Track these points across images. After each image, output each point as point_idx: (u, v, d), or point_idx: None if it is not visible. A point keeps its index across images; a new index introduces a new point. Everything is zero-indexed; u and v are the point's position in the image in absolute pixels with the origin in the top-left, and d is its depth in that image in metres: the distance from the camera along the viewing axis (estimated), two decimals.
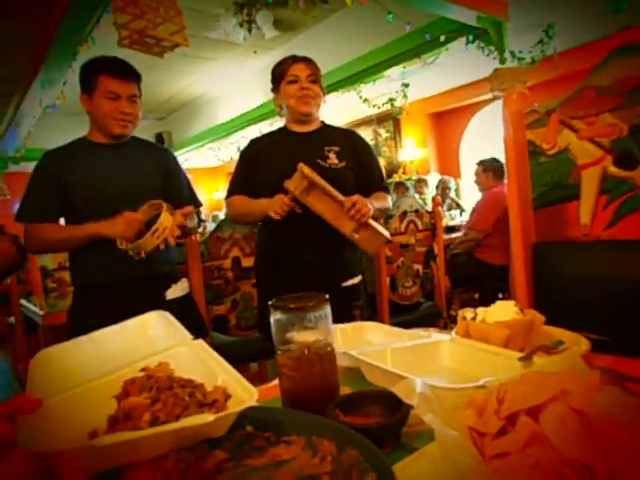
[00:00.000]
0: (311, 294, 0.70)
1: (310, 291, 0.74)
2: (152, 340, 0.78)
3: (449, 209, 5.49)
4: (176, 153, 5.77)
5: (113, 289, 1.54)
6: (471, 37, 4.52)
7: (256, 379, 2.60)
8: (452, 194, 5.95)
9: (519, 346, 0.86)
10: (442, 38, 4.41)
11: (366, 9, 4.17)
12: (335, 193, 1.48)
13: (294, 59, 1.61)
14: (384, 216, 2.11)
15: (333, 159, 1.60)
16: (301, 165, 1.46)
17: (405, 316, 2.61)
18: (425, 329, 1.11)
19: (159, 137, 8.38)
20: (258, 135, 1.78)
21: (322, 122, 1.71)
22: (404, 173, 7.49)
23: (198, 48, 5.45)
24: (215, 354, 0.69)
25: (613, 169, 1.34)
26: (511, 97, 1.50)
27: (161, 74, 6.21)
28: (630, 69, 1.28)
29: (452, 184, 5.96)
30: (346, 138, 1.69)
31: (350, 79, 5.48)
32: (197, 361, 0.68)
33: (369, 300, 1.88)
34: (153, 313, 0.86)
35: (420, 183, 6.30)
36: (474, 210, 3.68)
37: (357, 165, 1.64)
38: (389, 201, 1.71)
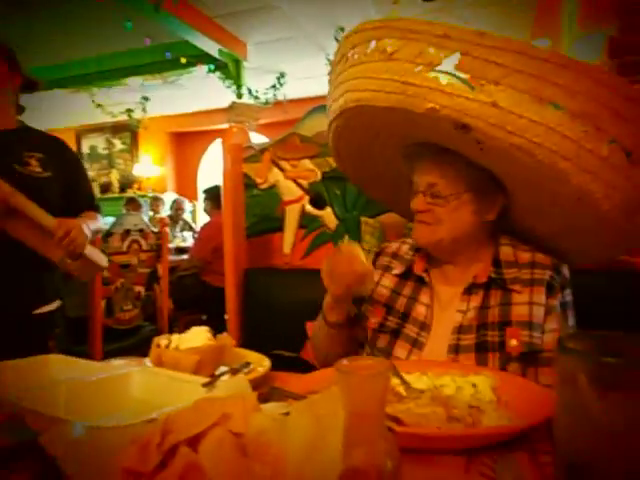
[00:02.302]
0: None
1: None
2: None
3: (182, 230, 5.47)
4: None
5: None
6: (212, 67, 4.71)
7: None
8: (186, 215, 5.95)
9: (210, 371, 0.88)
10: (183, 60, 4.45)
11: (107, 10, 3.89)
12: (43, 219, 1.27)
13: None
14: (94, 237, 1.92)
15: (35, 167, 1.37)
16: None
17: (123, 342, 2.45)
18: (140, 357, 1.05)
19: None
20: None
21: (21, 122, 1.47)
22: (139, 189, 7.17)
23: None
24: None
25: (309, 207, 1.55)
26: (231, 131, 1.60)
27: None
28: (323, 125, 1.52)
29: (187, 205, 5.97)
30: (53, 146, 1.48)
31: (82, 78, 4.98)
32: None
33: (70, 326, 1.66)
34: None
35: (156, 202, 6.11)
36: (195, 238, 3.87)
37: (65, 178, 1.45)
38: (101, 221, 1.57)
